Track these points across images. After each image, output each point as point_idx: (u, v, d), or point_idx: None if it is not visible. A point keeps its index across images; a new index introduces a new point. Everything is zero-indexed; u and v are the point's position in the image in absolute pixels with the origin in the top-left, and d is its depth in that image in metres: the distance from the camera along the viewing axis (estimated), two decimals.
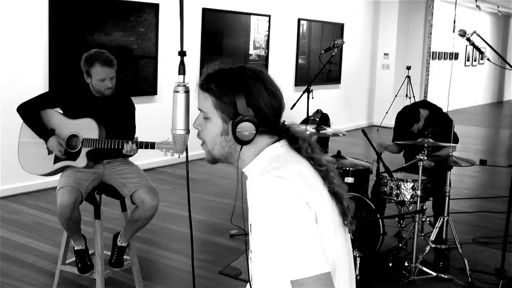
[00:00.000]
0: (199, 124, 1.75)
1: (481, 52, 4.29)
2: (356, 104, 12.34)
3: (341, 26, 11.37)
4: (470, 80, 18.20)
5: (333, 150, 5.23)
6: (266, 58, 9.46)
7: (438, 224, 4.45)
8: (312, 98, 5.63)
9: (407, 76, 12.07)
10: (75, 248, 3.78)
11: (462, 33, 4.34)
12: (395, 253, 4.55)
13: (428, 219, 4.64)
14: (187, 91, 1.80)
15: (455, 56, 16.71)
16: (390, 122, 12.40)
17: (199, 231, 5.29)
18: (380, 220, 4.41)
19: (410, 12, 12.94)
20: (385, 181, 4.52)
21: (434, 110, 5.02)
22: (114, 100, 3.83)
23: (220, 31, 8.61)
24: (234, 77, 1.69)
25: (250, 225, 1.64)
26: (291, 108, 5.69)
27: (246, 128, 1.65)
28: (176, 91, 1.75)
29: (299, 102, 5.55)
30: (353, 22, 11.80)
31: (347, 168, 4.66)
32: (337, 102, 11.51)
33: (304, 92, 5.46)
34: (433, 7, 13.45)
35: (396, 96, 12.16)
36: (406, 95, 12.11)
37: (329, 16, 11.04)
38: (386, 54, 12.68)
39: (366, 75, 12.65)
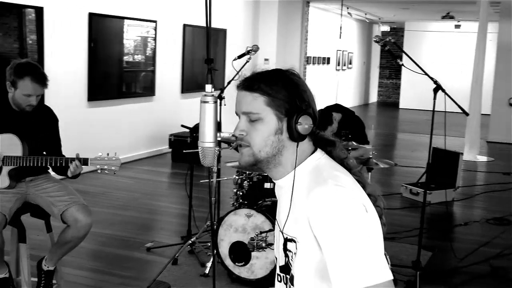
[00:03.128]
0: (243, 130, 1.71)
1: (395, 58, 4.50)
2: None
3: (224, 32, 11.45)
4: (340, 84, 19.00)
5: None
6: (153, 64, 9.31)
7: None
8: (225, 105, 5.61)
9: None
10: None
11: (378, 40, 4.53)
12: None
13: None
14: (215, 102, 1.73)
15: (327, 60, 17.38)
16: None
17: (112, 247, 5.11)
18: None
19: (288, 18, 13.29)
20: None
21: (347, 113, 5.21)
22: (35, 114, 3.60)
23: (103, 37, 8.38)
24: (280, 76, 1.69)
25: (291, 237, 1.66)
26: None
27: (306, 121, 1.66)
28: (204, 102, 1.68)
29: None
30: (235, 27, 11.93)
31: (266, 174, 4.73)
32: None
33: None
34: (308, 13, 13.92)
35: None
36: None
37: (212, 22, 11.05)
38: (266, 59, 12.93)
39: None
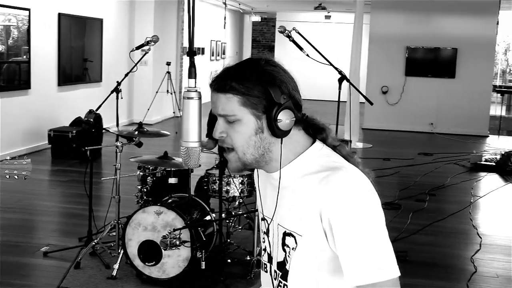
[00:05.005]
0: (223, 131, 1.62)
1: (300, 48, 4.53)
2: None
3: (100, 22, 11.05)
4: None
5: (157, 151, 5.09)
6: (28, 55, 8.78)
7: None
8: (121, 98, 5.40)
9: (167, 72, 12.18)
10: None
11: (282, 30, 4.54)
12: (225, 249, 4.62)
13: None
14: (200, 97, 1.61)
15: (202, 51, 17.32)
16: (152, 118, 12.47)
17: (4, 255, 4.75)
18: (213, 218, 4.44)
19: (164, 8, 13.07)
20: (214, 179, 4.56)
21: None
22: None
23: None
24: (253, 69, 1.58)
25: (291, 232, 1.60)
26: (96, 110, 5.43)
27: (286, 116, 1.56)
28: (188, 98, 1.55)
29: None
30: (111, 17, 11.55)
31: (170, 169, 4.62)
32: (101, 100, 11.14)
33: (112, 91, 5.22)
34: (184, 3, 13.76)
35: (157, 92, 12.19)
36: (167, 91, 12.23)
37: (87, 11, 10.64)
38: (143, 50, 12.63)
39: (124, 72, 12.47)
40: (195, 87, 1.53)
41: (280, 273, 1.69)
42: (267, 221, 1.76)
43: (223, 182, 4.52)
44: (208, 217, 4.44)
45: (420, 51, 12.98)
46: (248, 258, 4.39)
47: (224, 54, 20.06)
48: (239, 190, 4.54)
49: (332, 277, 1.58)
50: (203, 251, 4.07)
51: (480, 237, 5.65)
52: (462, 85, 12.62)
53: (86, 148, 4.55)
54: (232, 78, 1.57)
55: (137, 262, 4.22)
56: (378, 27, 13.04)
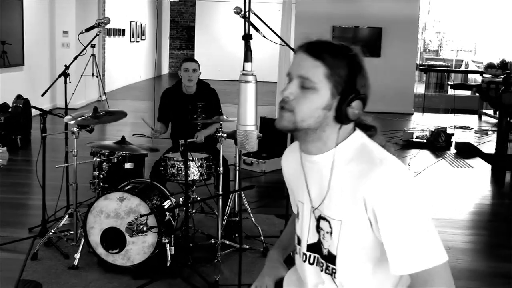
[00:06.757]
0: (292, 93, 1.63)
1: (257, 30, 4.53)
2: (40, 87, 11.70)
3: (20, 3, 10.63)
4: (135, 56, 18.73)
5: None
6: None
7: (230, 199, 4.68)
8: (70, 82, 5.25)
9: (92, 55, 11.89)
10: None
11: (238, 11, 4.53)
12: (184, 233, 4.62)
13: None
14: (256, 81, 1.61)
15: (122, 32, 16.99)
16: (76, 103, 12.14)
17: None
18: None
19: None
20: (172, 162, 4.54)
21: (201, 85, 5.18)
22: None
23: None
24: (347, 53, 1.63)
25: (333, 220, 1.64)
26: (42, 95, 5.28)
27: (358, 106, 1.62)
28: (246, 81, 1.55)
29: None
30: None
31: (125, 154, 4.56)
32: (22, 85, 10.76)
33: (60, 75, 5.06)
34: None
35: (81, 75, 11.88)
36: (93, 74, 11.96)
37: None
38: (65, 32, 12.29)
39: (46, 56, 12.10)
40: (251, 70, 1.54)
41: (321, 257, 1.73)
42: (300, 204, 1.80)
43: (181, 166, 4.51)
44: (168, 202, 4.43)
45: (346, 30, 13.26)
46: (213, 241, 4.41)
47: (144, 35, 19.73)
48: (198, 174, 4.54)
49: (378, 261, 1.65)
50: (172, 236, 4.06)
51: None
52: (388, 64, 13.00)
53: (44, 135, 4.42)
54: (327, 49, 1.62)
55: (100, 250, 4.16)
56: (304, 6, 13.18)
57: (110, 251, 4.15)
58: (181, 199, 4.56)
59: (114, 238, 4.13)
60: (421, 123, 11.71)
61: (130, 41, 18.07)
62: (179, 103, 5.12)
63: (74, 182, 4.50)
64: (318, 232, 1.71)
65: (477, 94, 12.11)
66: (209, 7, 20.95)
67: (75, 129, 4.41)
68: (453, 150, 9.06)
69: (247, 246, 4.63)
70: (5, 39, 10.34)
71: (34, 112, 8.63)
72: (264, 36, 4.51)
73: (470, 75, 16.12)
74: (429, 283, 1.52)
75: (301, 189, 1.78)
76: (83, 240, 4.24)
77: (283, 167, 1.91)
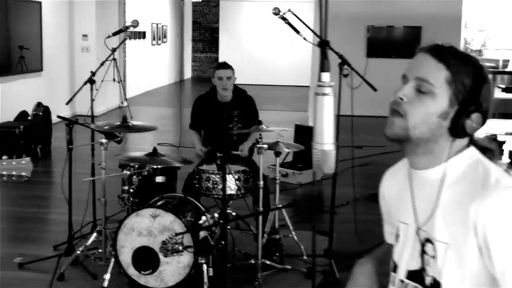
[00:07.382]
0: (406, 95, 1.57)
1: (297, 31, 4.42)
2: (59, 93, 11.72)
3: (39, 5, 10.63)
4: (156, 60, 18.73)
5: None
6: None
7: (270, 216, 4.57)
8: (97, 90, 5.19)
9: (113, 59, 11.85)
10: None
11: (277, 11, 4.43)
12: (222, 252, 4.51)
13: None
14: (334, 94, 1.50)
15: (143, 35, 17.00)
16: (96, 110, 12.08)
17: None
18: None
19: None
20: (207, 176, 4.43)
21: (237, 91, 5.09)
22: None
23: None
24: (475, 63, 1.57)
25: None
26: (67, 103, 5.23)
27: (477, 120, 1.55)
28: (323, 94, 1.44)
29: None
30: (50, 0, 11.16)
31: (157, 167, 4.46)
32: (40, 92, 10.75)
33: (86, 82, 5.01)
34: None
35: (102, 81, 11.85)
36: (114, 79, 11.94)
37: None
38: (85, 36, 12.29)
39: (65, 61, 12.11)
40: (330, 81, 1.42)
41: (418, 286, 1.62)
42: (402, 225, 1.71)
43: (217, 179, 4.40)
44: (203, 218, 4.33)
45: (382, 30, 13.10)
46: (253, 261, 4.30)
47: (165, 37, 19.74)
48: (236, 188, 4.43)
49: None
50: (210, 256, 3.95)
51: None
52: None
53: (71, 146, 4.35)
54: (453, 54, 1.57)
55: (131, 271, 4.07)
56: (338, 5, 13.05)
57: (142, 272, 4.05)
58: (216, 214, 4.45)
59: (146, 258, 4.03)
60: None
61: (152, 44, 18.08)
62: (213, 111, 5.02)
63: (102, 197, 4.41)
64: (422, 257, 1.61)
65: None
66: (233, 7, 20.89)
67: (103, 140, 4.33)
68: (506, 159, 8.80)
69: (289, 267, 4.50)
70: (23, 43, 10.32)
71: (54, 119, 8.62)
72: (305, 38, 4.40)
73: None
74: None
75: (405, 209, 1.69)
76: (113, 259, 4.15)
77: (384, 187, 1.84)
